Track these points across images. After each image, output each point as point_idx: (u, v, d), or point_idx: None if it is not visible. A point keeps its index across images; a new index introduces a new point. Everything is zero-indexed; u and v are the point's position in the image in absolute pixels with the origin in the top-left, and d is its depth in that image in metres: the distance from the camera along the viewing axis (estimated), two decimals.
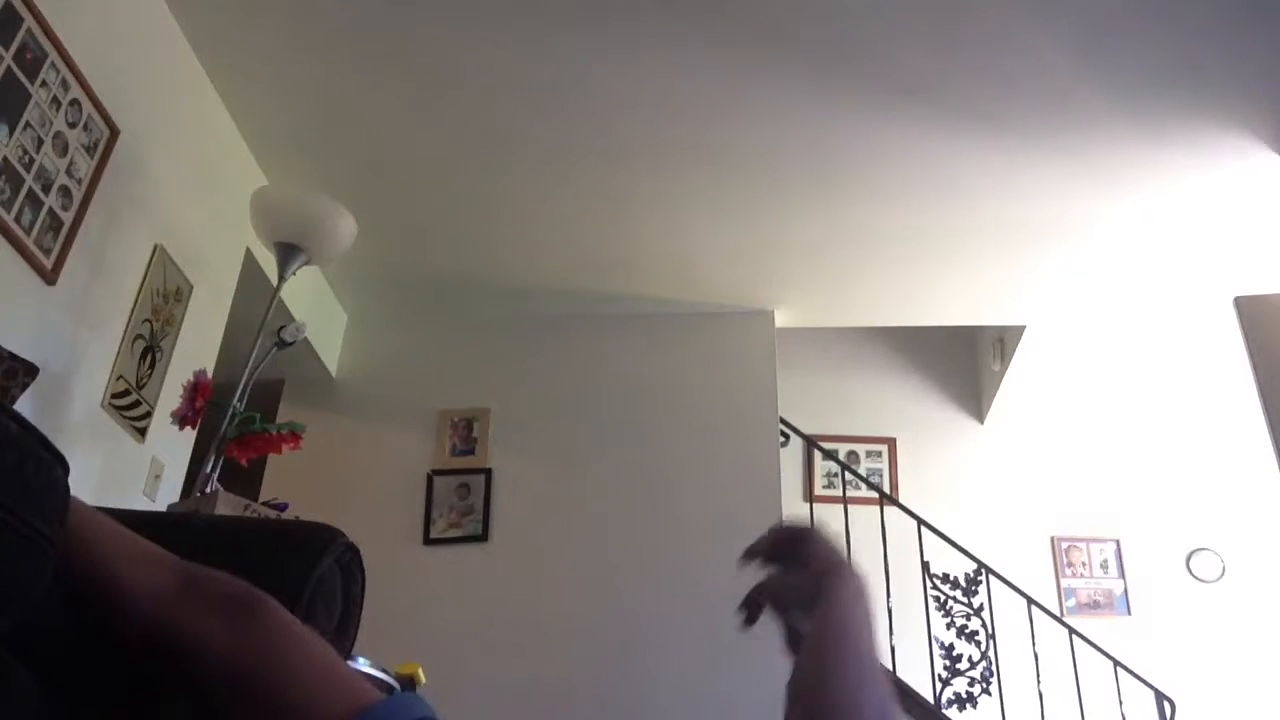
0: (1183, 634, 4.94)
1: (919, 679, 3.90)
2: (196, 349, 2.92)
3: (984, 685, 4.03)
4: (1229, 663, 4.82)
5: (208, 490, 2.29)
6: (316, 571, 1.05)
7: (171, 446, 2.83)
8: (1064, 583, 5.12)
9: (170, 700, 0.80)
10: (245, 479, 3.17)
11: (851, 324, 4.58)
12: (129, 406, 2.59)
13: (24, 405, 2.04)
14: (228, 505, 2.12)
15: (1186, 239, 3.61)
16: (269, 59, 2.87)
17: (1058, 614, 4.67)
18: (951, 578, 4.24)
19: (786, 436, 4.27)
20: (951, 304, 4.26)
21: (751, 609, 0.84)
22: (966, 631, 4.13)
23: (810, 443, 4.74)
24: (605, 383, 4.21)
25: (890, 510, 4.32)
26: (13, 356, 1.94)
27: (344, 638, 1.11)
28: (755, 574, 0.87)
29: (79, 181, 2.32)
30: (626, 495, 3.94)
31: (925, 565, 4.17)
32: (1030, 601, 4.22)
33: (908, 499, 4.70)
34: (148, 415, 2.69)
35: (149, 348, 2.67)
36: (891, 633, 3.90)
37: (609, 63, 2.85)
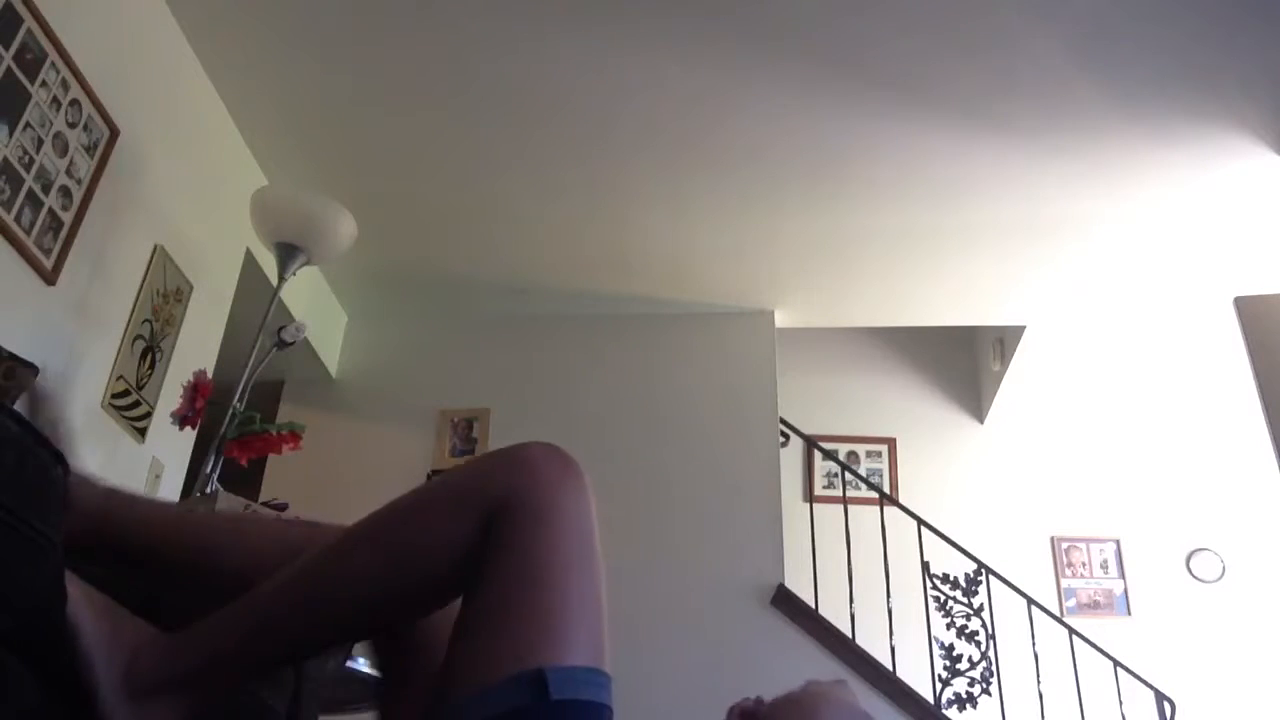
0: (1183, 634, 4.94)
1: (919, 679, 3.89)
2: (196, 349, 2.92)
3: (984, 685, 4.02)
4: (1229, 663, 4.82)
5: (208, 490, 2.29)
6: None
7: (171, 446, 2.83)
8: (1064, 583, 5.12)
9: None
10: (245, 479, 3.17)
11: (851, 324, 4.58)
12: (129, 406, 2.59)
13: (24, 406, 2.04)
14: (228, 505, 2.11)
15: (1186, 239, 3.61)
16: (269, 59, 2.87)
17: (1058, 614, 4.66)
18: (951, 578, 4.23)
19: (786, 436, 4.27)
20: (951, 304, 4.26)
21: None
22: (966, 632, 4.13)
23: (810, 443, 4.74)
24: (605, 383, 4.21)
25: (890, 510, 4.31)
26: (13, 356, 1.94)
27: None
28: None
29: (79, 181, 2.32)
30: (626, 495, 3.93)
31: (925, 565, 4.16)
32: (1030, 602, 4.21)
33: (908, 499, 4.69)
34: (148, 415, 2.69)
35: (149, 348, 2.67)
36: (892, 633, 3.90)
37: (609, 64, 2.85)
